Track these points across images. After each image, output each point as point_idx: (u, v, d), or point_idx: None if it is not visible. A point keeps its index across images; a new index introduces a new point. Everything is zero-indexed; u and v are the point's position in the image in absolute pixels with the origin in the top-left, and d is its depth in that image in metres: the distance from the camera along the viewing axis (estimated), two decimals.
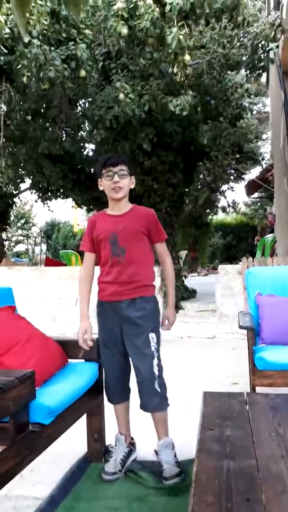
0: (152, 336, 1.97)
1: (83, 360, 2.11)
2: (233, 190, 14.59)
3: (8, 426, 1.50)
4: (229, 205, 15.74)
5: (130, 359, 2.04)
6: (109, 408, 2.14)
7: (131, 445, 2.10)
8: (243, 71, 6.17)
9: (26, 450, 1.55)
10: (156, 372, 1.96)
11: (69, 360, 2.10)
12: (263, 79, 8.18)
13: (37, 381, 1.64)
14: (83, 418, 2.05)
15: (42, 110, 5.69)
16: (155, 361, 1.97)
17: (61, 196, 8.43)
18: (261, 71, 5.41)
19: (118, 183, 1.99)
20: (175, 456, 1.98)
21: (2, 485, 1.42)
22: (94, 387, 2.05)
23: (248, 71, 5.58)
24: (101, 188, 2.08)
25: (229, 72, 5.93)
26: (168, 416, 2.04)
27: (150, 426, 2.04)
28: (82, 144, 6.90)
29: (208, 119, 6.48)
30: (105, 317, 2.04)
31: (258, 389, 2.20)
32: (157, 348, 1.99)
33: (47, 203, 8.91)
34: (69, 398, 1.78)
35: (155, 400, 1.96)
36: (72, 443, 2.16)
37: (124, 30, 4.16)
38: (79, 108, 6.15)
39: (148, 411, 1.99)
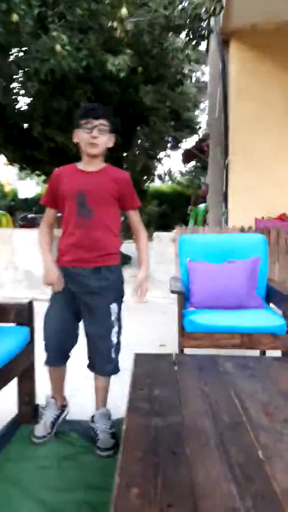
0: (112, 307, 1.91)
1: (14, 324, 2.05)
2: (169, 158, 14.68)
3: None
4: (165, 174, 15.86)
5: (83, 327, 1.96)
6: (41, 369, 2.12)
7: (63, 407, 2.09)
8: (183, 36, 6.07)
9: None
10: (115, 340, 1.93)
11: (0, 324, 2.03)
12: (203, 47, 8.13)
13: None
14: (14, 381, 2.02)
15: None
16: (115, 329, 1.92)
17: None
18: (200, 39, 5.36)
19: (96, 138, 1.81)
20: (112, 427, 1.95)
21: None
22: (25, 351, 2.02)
23: (188, 37, 5.51)
24: (75, 140, 1.89)
25: (170, 34, 5.80)
26: (109, 383, 2.01)
27: (86, 386, 2.05)
28: (14, 98, 6.45)
29: (148, 81, 6.35)
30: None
31: (186, 351, 2.31)
32: (117, 318, 1.94)
33: None
34: None
35: (108, 365, 1.93)
36: (2, 406, 2.13)
37: None
38: (12, 57, 5.69)
39: (98, 374, 1.96)
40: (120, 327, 1.96)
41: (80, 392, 2.21)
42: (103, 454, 1.83)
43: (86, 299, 1.90)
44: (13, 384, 2.02)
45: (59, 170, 1.95)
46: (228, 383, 1.44)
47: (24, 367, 2.05)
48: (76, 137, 1.89)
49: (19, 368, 2.00)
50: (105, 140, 1.88)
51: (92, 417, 2.00)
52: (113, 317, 1.92)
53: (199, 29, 4.99)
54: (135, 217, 2.01)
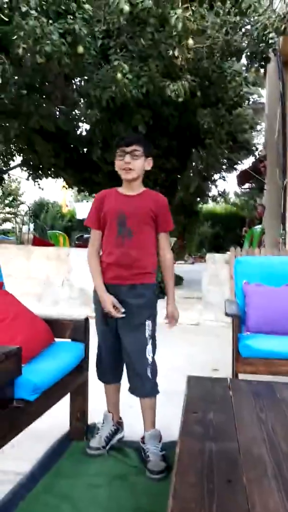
0: (148, 323, 1.96)
1: (69, 340, 2.11)
2: (224, 180, 14.58)
3: None
4: (219, 194, 15.74)
5: (121, 345, 2.01)
6: (95, 387, 2.15)
7: (119, 425, 2.12)
8: (243, 60, 6.11)
9: (9, 425, 1.56)
10: (150, 359, 1.95)
11: (56, 340, 2.10)
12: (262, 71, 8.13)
13: (23, 358, 1.64)
14: (67, 398, 2.06)
15: (37, 85, 5.56)
16: (149, 347, 1.96)
17: (52, 175, 8.31)
18: (263, 62, 5.36)
19: (128, 164, 1.93)
20: (163, 449, 1.94)
21: None
22: (80, 366, 2.06)
23: (249, 60, 5.53)
24: (116, 168, 2.02)
25: (229, 59, 5.86)
26: (156, 404, 2.02)
27: (136, 405, 2.05)
28: (76, 123, 6.79)
29: (206, 105, 6.42)
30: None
31: (240, 376, 2.24)
32: (151, 335, 1.97)
33: (37, 181, 8.77)
34: (55, 376, 1.78)
35: (146, 386, 1.95)
36: (54, 422, 2.17)
37: (126, 8, 4.05)
38: (75, 86, 6.03)
39: (138, 396, 1.99)
40: (154, 346, 1.99)
41: (130, 412, 2.21)
42: (154, 477, 1.82)
43: (124, 315, 1.95)
44: (66, 400, 2.07)
45: (102, 193, 2.07)
46: (286, 411, 1.37)
47: (78, 383, 2.09)
48: (116, 166, 2.01)
49: (73, 384, 2.04)
50: (139, 164, 1.97)
51: (143, 438, 1.99)
52: (147, 334, 1.95)
53: (261, 52, 4.98)
54: (165, 240, 2.07)
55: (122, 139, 1.99)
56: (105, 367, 2.06)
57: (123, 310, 1.93)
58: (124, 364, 2.03)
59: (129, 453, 1.99)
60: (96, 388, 2.15)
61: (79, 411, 2.14)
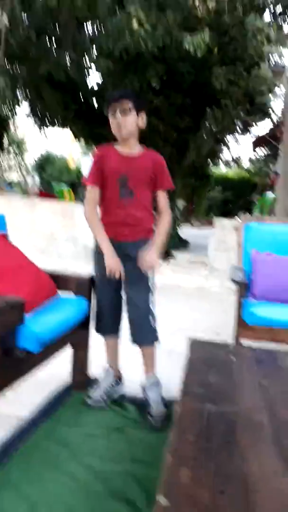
0: (149, 275, 2.03)
1: (73, 295, 2.12)
2: (238, 143, 14.17)
3: None
4: (232, 159, 15.36)
5: (124, 295, 2.08)
6: (96, 343, 2.19)
7: (118, 379, 2.18)
8: (266, 17, 5.74)
9: (11, 373, 1.60)
10: (151, 307, 2.03)
11: (60, 294, 2.10)
12: (286, 28, 7.66)
13: (27, 308, 1.65)
14: (68, 351, 2.09)
15: (47, 30, 5.28)
16: (150, 296, 2.03)
17: (60, 125, 8.05)
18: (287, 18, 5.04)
19: (119, 120, 1.89)
20: (162, 396, 2.03)
21: None
22: (83, 322, 2.08)
23: (272, 17, 5.20)
24: (111, 126, 1.97)
25: (251, 14, 5.51)
26: (156, 352, 2.10)
27: (139, 365, 2.11)
28: (87, 73, 6.51)
29: (224, 62, 6.12)
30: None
31: (242, 342, 2.26)
32: (152, 284, 2.04)
33: (43, 129, 8.47)
34: (58, 329, 1.80)
35: (148, 335, 2.04)
36: (56, 372, 2.23)
37: None
38: (88, 32, 5.73)
39: (142, 344, 2.05)
40: (153, 295, 2.05)
41: (130, 368, 2.25)
42: (155, 421, 1.91)
43: (129, 266, 1.97)
44: (68, 354, 2.11)
45: (101, 151, 2.02)
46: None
47: (81, 337, 2.12)
48: (110, 125, 1.95)
49: (75, 338, 2.07)
50: (131, 121, 1.92)
51: (143, 387, 2.07)
52: (149, 283, 2.02)
53: (285, 9, 4.68)
54: (163, 198, 2.07)
55: (111, 95, 1.95)
56: (106, 321, 2.10)
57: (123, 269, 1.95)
58: (126, 316, 2.08)
59: (128, 407, 2.05)
60: (97, 344, 2.19)
61: (80, 363, 2.18)
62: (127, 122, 1.90)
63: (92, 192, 2.00)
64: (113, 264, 1.92)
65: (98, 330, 2.14)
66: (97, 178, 1.97)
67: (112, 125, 1.94)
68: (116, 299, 2.10)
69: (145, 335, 2.04)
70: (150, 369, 2.09)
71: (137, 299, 2.02)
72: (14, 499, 1.37)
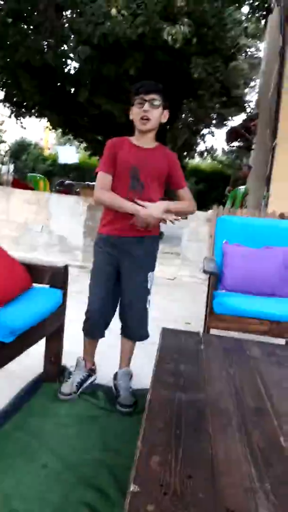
0: (150, 274, 2.06)
1: (47, 286, 2.10)
2: (213, 135, 14.29)
3: None
4: (207, 150, 15.48)
5: (121, 293, 2.06)
6: (70, 330, 2.19)
7: (91, 371, 2.18)
8: (244, 9, 5.79)
9: None
10: (148, 307, 2.08)
11: (34, 285, 2.09)
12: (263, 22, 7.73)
13: (0, 302, 1.63)
14: (42, 341, 2.09)
15: (25, 14, 5.15)
16: (148, 297, 2.07)
17: (36, 114, 7.94)
18: (264, 12, 5.09)
19: (147, 112, 1.86)
20: (131, 385, 2.08)
21: None
22: (57, 312, 2.07)
23: (251, 10, 5.24)
24: (131, 117, 1.94)
25: (230, 7, 5.55)
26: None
27: (112, 352, 2.14)
28: (64, 60, 6.40)
29: (201, 54, 6.14)
30: (105, 251, 2.01)
31: (212, 331, 2.31)
32: (151, 286, 2.08)
33: (19, 119, 8.36)
34: (31, 320, 1.79)
35: (142, 332, 2.09)
36: (29, 363, 2.22)
37: None
38: (66, 19, 5.62)
39: (134, 340, 2.12)
40: (150, 296, 2.10)
41: (103, 357, 2.27)
42: (123, 410, 1.94)
43: (129, 265, 2.00)
44: (41, 344, 2.10)
45: (114, 140, 1.99)
46: (254, 368, 1.44)
47: (54, 328, 2.12)
48: (131, 114, 1.94)
49: (49, 329, 2.07)
50: (157, 115, 1.91)
51: (115, 375, 2.12)
52: (149, 285, 2.06)
53: (264, 2, 4.72)
54: (185, 194, 2.06)
55: (142, 86, 1.88)
56: (96, 323, 2.06)
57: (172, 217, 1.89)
58: (120, 312, 2.10)
59: (99, 396, 2.06)
60: (70, 331, 2.19)
61: (53, 354, 2.18)
62: (154, 115, 1.89)
63: (104, 178, 1.94)
64: (144, 212, 1.86)
65: (86, 334, 2.11)
66: (110, 167, 1.94)
67: (135, 115, 1.91)
68: (110, 298, 2.06)
69: (140, 333, 2.09)
70: (125, 362, 2.14)
71: (136, 299, 2.05)
72: None
